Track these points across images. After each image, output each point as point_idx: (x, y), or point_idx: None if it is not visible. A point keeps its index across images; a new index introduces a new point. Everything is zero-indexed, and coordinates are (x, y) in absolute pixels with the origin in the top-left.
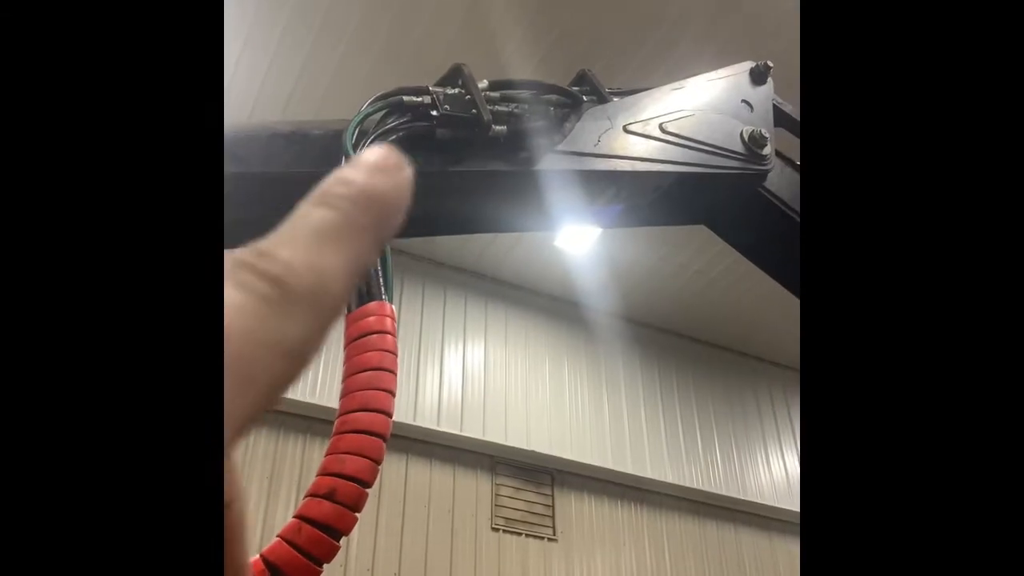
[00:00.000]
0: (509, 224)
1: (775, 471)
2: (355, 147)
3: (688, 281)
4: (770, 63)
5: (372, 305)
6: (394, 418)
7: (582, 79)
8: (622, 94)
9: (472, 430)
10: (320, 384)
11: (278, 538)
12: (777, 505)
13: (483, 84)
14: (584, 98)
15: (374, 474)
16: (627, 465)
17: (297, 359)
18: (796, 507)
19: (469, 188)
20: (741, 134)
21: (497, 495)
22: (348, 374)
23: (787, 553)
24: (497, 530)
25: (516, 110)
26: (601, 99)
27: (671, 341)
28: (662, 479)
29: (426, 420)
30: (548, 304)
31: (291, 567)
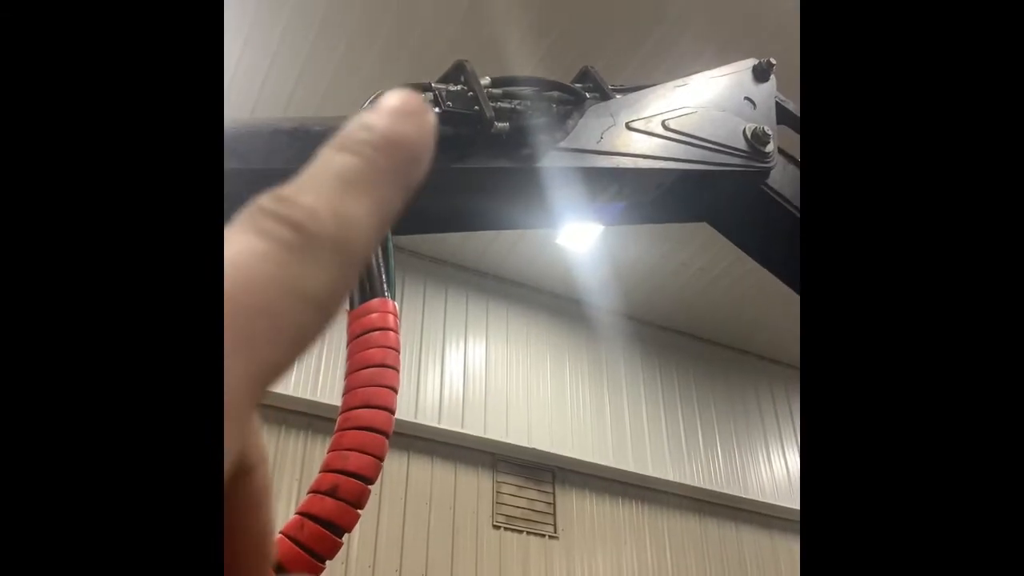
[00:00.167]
0: (511, 221)
1: (776, 469)
2: None
3: (690, 279)
4: (773, 60)
5: (375, 302)
6: (396, 415)
7: (585, 76)
8: (625, 91)
9: (473, 428)
10: (321, 381)
11: (281, 534)
12: (778, 503)
13: (485, 81)
14: (587, 95)
15: (377, 471)
16: (628, 463)
17: (322, 308)
18: (797, 505)
19: (471, 185)
20: (744, 131)
21: (498, 493)
22: (351, 371)
23: (788, 551)
24: (498, 528)
25: (519, 107)
26: (604, 96)
27: (673, 339)
28: (663, 477)
29: (427, 418)
30: (550, 302)
31: (294, 563)
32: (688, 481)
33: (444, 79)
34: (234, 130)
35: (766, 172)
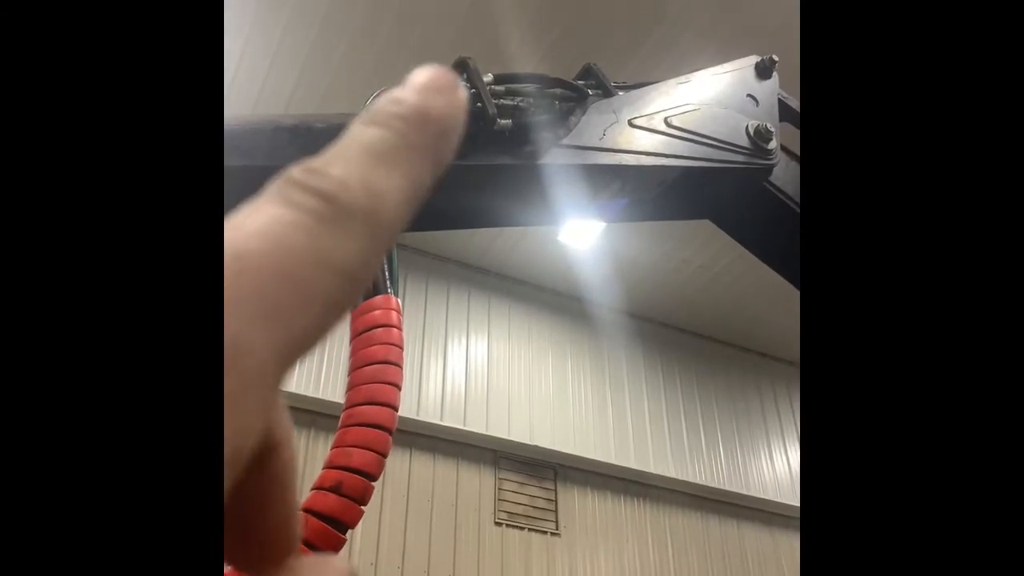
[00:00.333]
0: (513, 218)
1: (778, 466)
2: None
3: (692, 276)
4: (775, 57)
5: (378, 299)
6: (398, 412)
7: (587, 73)
8: (627, 88)
9: (475, 425)
10: (324, 378)
11: None
12: (780, 500)
13: (488, 78)
14: (589, 92)
15: (380, 467)
16: (630, 460)
17: (351, 279)
18: (798, 502)
19: (474, 182)
20: (746, 128)
21: (500, 490)
22: (354, 367)
23: (790, 548)
24: (500, 524)
25: (521, 104)
26: (606, 93)
27: (674, 336)
28: (665, 474)
29: (429, 415)
30: (551, 299)
31: None
32: (690, 478)
33: None
34: (236, 127)
35: (768, 169)
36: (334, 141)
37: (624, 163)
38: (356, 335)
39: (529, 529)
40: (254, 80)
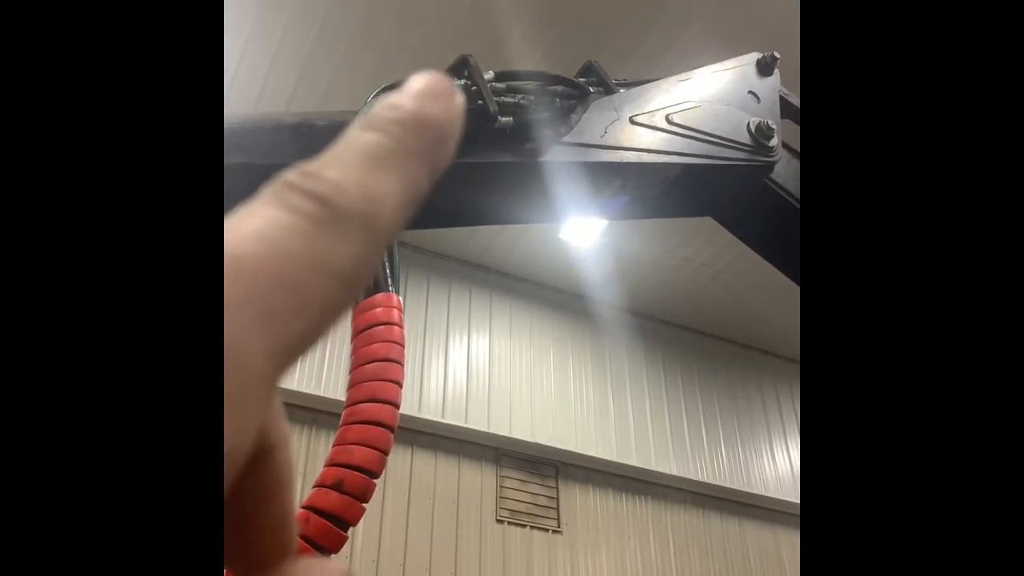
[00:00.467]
0: (514, 216)
1: (779, 464)
2: None
3: (693, 274)
4: (776, 54)
5: (379, 296)
6: (400, 410)
7: (588, 70)
8: (628, 85)
9: (477, 422)
10: (325, 376)
11: None
12: (781, 498)
13: (489, 75)
14: (590, 89)
15: (382, 465)
16: (631, 458)
17: (347, 283)
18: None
19: (475, 180)
20: (748, 125)
21: (502, 487)
22: (355, 365)
23: (791, 545)
24: (502, 522)
25: (522, 101)
26: (607, 90)
27: (676, 334)
28: (666, 472)
29: (431, 412)
30: (553, 297)
31: None
32: (691, 475)
33: (448, 73)
34: (237, 125)
35: (770, 166)
36: (336, 139)
37: (626, 160)
38: (357, 333)
39: (531, 527)
40: (254, 80)
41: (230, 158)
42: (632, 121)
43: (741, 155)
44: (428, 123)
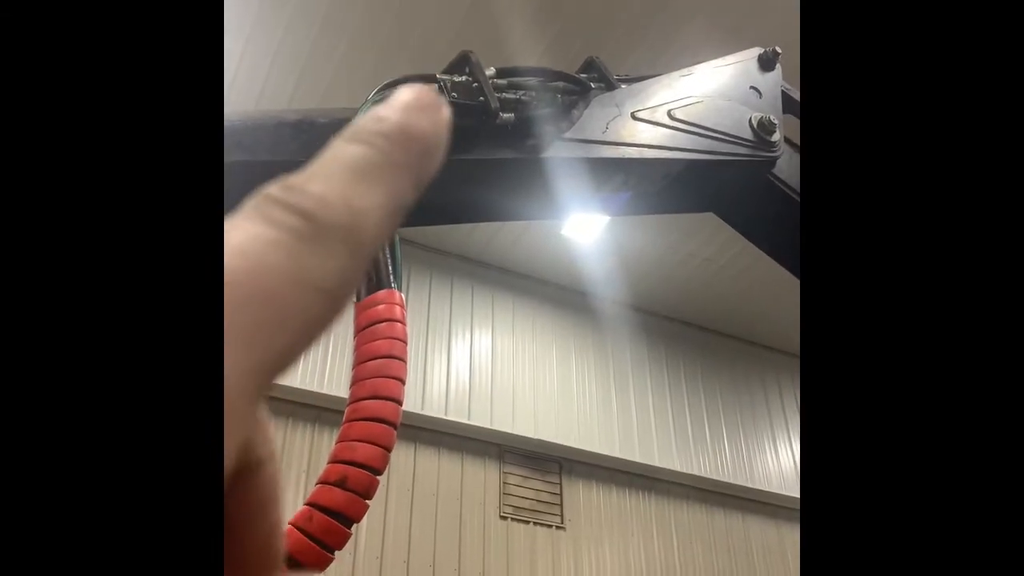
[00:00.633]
0: (516, 212)
1: (783, 459)
2: None
3: (696, 269)
4: (778, 49)
5: (381, 293)
6: (403, 407)
7: (590, 66)
8: (630, 81)
9: (480, 419)
10: (328, 373)
11: (289, 525)
12: (784, 493)
13: (490, 72)
14: (592, 85)
15: (385, 461)
16: (635, 453)
17: (331, 298)
18: None
19: (476, 176)
20: (750, 121)
21: (505, 484)
22: (358, 362)
23: (794, 541)
24: (505, 518)
25: (524, 97)
26: (609, 86)
27: (679, 329)
28: (670, 467)
29: (434, 409)
30: (555, 293)
31: (302, 554)
32: (694, 471)
33: (449, 70)
34: (239, 123)
35: (772, 161)
36: (336, 136)
37: (627, 156)
38: (360, 330)
39: (534, 523)
40: (255, 79)
41: (231, 156)
42: (634, 117)
43: (743, 150)
44: (414, 135)
